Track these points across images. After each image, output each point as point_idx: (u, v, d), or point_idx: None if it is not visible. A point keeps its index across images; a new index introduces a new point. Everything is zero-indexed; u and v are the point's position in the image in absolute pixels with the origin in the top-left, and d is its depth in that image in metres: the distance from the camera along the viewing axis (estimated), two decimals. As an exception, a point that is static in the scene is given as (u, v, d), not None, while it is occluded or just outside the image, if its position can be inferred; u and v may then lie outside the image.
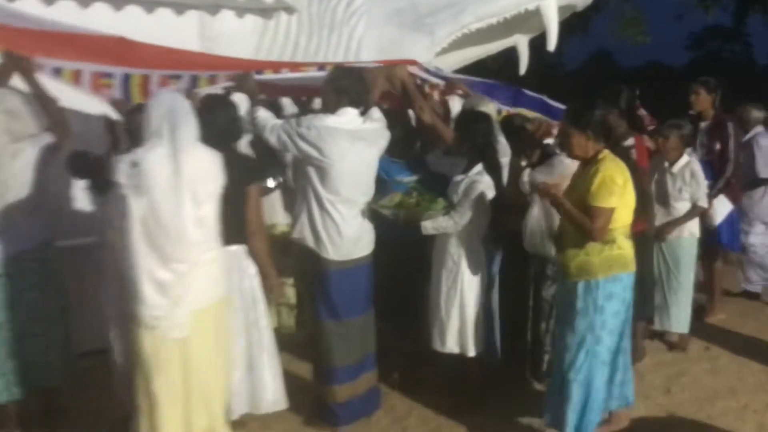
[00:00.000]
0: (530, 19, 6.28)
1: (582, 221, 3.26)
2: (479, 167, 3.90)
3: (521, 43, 6.80)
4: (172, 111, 2.93)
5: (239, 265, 3.46)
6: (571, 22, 7.28)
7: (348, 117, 3.68)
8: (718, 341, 5.21)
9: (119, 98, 4.06)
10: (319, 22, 5.91)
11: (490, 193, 3.87)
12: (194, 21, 5.75)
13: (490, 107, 4.23)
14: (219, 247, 3.10)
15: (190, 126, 2.96)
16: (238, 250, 3.44)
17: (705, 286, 5.78)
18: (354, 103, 3.70)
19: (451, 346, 4.00)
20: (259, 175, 3.66)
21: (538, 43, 6.81)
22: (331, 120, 3.63)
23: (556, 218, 3.62)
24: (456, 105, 4.67)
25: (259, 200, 3.57)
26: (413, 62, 4.74)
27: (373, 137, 3.78)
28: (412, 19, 5.89)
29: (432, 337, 4.06)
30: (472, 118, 4.06)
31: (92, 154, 3.99)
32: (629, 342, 3.56)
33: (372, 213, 3.82)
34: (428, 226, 3.86)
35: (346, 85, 3.68)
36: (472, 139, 3.93)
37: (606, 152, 3.33)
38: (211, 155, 3.05)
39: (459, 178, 3.94)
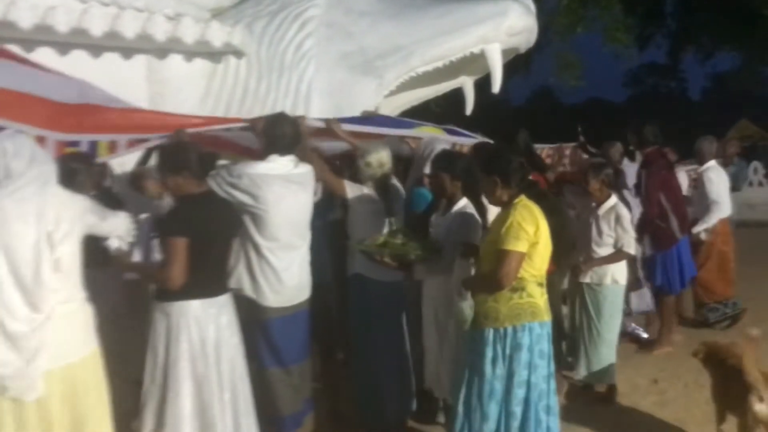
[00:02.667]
0: (475, 61, 6.45)
1: (486, 278, 3.21)
2: (464, 201, 3.80)
3: (467, 84, 6.97)
4: (34, 154, 2.84)
5: (230, 316, 3.41)
6: (515, 61, 7.49)
7: (278, 163, 3.70)
8: (666, 374, 5.37)
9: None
10: (269, 65, 5.97)
11: (478, 230, 3.73)
12: (142, 65, 5.76)
13: (383, 154, 4.16)
14: (81, 298, 2.98)
15: (47, 167, 2.88)
16: (226, 299, 3.42)
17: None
18: (284, 151, 3.72)
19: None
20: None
21: (483, 83, 7.01)
22: (261, 167, 3.65)
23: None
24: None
25: None
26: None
27: (305, 180, 3.83)
28: (361, 63, 6.01)
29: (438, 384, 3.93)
30: (446, 157, 4.05)
31: None
32: (554, 399, 3.30)
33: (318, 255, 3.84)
34: (421, 269, 3.80)
35: (278, 133, 3.71)
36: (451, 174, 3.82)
37: (521, 198, 3.27)
38: (68, 196, 2.95)
39: (440, 217, 3.88)
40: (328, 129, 4.34)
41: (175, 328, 3.22)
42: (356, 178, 4.15)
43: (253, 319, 3.66)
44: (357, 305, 4.14)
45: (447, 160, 3.95)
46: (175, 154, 3.39)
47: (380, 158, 4.14)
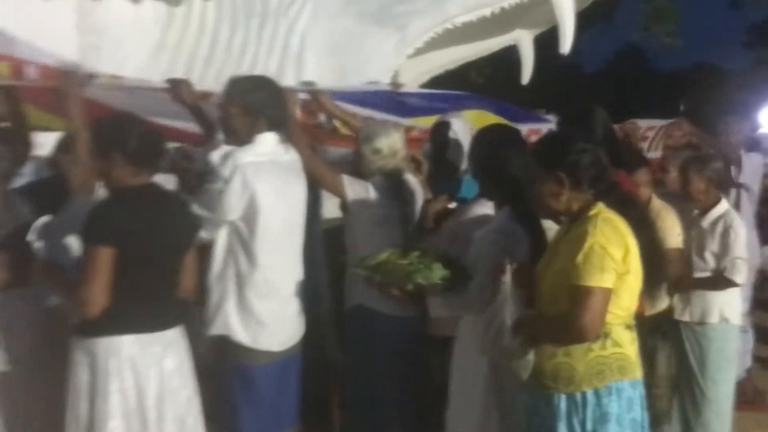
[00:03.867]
0: (536, 9, 6.42)
1: (558, 324, 3.09)
2: (506, 214, 3.55)
3: (524, 41, 6.94)
4: None
5: (180, 359, 3.37)
6: (591, 10, 7.47)
7: (268, 145, 3.68)
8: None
9: None
10: (246, 10, 5.98)
11: (519, 253, 3.44)
12: (70, 7, 5.79)
13: (395, 138, 4.12)
14: None
15: None
16: (175, 335, 3.37)
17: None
18: (274, 126, 3.68)
19: None
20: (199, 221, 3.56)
21: (546, 40, 6.99)
22: (250, 152, 3.60)
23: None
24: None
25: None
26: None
27: (298, 168, 3.81)
28: (376, 9, 6.02)
29: None
30: (491, 141, 3.79)
31: None
32: None
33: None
34: (437, 303, 3.61)
35: (262, 102, 3.66)
36: (497, 173, 3.60)
37: (599, 207, 3.14)
38: None
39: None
40: (315, 104, 4.34)
41: (101, 373, 3.17)
42: (358, 171, 4.14)
43: (232, 365, 3.60)
44: (358, 348, 4.09)
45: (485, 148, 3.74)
46: (105, 129, 3.35)
47: (392, 143, 4.10)
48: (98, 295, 3.09)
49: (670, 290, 4.47)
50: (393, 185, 4.07)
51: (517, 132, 4.04)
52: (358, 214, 4.04)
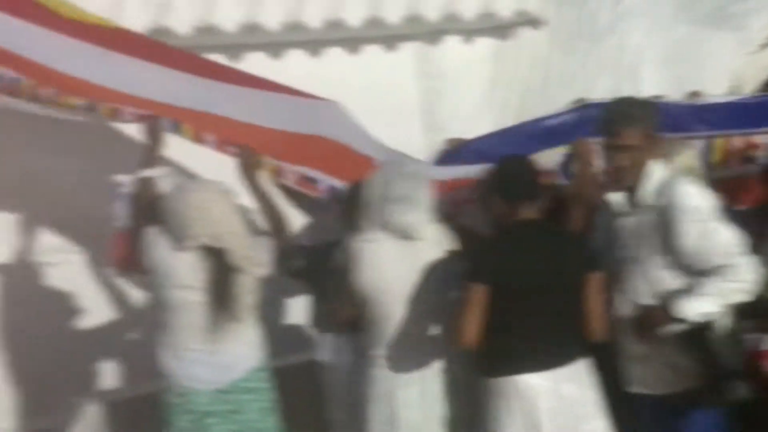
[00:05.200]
0: None
1: None
2: None
3: None
4: None
5: (582, 390, 3.40)
6: None
7: None
8: None
9: None
10: (576, 33, 6.05)
11: None
12: (409, 56, 6.09)
13: (689, 155, 3.96)
14: None
15: None
16: (575, 371, 3.40)
17: None
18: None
19: None
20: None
21: None
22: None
23: None
24: None
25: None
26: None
27: None
28: (711, 11, 5.94)
29: None
30: None
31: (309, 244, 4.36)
32: None
33: None
34: None
35: (654, 122, 3.57)
36: None
37: None
38: None
39: None
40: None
41: (492, 412, 3.32)
42: None
43: None
44: None
45: None
46: (489, 174, 3.57)
47: (687, 160, 3.92)
48: (468, 329, 3.21)
49: None
50: None
51: None
52: None
